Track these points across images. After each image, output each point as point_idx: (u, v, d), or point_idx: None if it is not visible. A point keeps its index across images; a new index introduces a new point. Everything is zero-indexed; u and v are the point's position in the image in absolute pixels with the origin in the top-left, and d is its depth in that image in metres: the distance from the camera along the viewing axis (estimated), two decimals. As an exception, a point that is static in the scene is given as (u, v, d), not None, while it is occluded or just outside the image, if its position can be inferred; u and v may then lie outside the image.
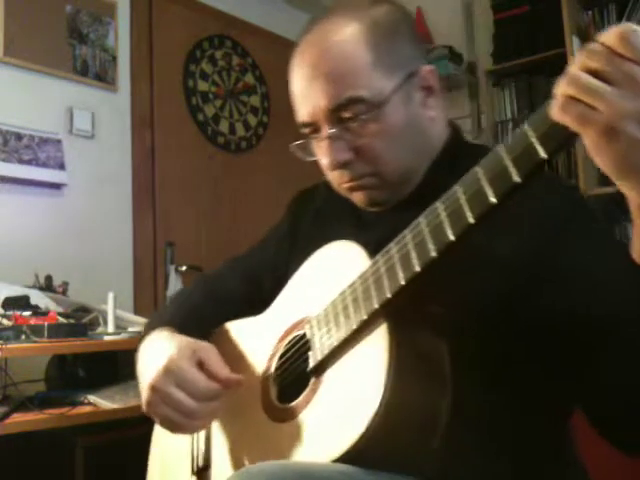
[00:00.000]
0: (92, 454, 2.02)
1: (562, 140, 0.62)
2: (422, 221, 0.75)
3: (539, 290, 0.81)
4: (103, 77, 2.79)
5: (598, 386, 0.78)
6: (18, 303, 1.90)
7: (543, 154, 0.63)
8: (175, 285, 2.73)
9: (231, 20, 3.43)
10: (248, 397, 0.97)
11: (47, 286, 2.19)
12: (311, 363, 0.87)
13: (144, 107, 2.98)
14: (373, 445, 0.74)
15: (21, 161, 2.45)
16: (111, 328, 1.95)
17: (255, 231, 1.24)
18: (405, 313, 0.79)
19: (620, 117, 0.58)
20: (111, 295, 1.95)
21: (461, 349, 0.79)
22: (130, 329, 1.99)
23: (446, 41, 3.44)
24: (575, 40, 2.87)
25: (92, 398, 1.80)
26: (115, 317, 1.97)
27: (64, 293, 2.21)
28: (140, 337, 1.10)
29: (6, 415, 1.62)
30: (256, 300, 1.09)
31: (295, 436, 0.84)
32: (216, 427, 1.03)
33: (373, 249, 0.84)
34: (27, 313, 1.84)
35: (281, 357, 0.96)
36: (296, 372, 0.92)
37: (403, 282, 0.75)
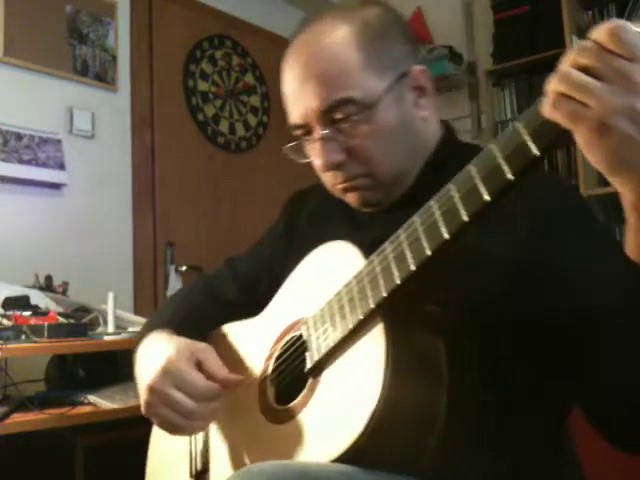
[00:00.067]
0: (92, 454, 2.02)
1: (554, 137, 0.62)
2: (416, 220, 0.75)
3: (534, 288, 0.81)
4: (103, 77, 2.80)
5: (595, 383, 0.78)
6: (18, 303, 1.90)
7: (536, 151, 0.63)
8: (175, 285, 2.73)
9: (231, 20, 3.43)
10: (245, 399, 0.97)
11: (47, 286, 2.19)
12: (308, 364, 0.87)
13: (144, 107, 2.98)
14: (371, 444, 0.74)
15: (21, 161, 2.46)
16: (111, 328, 1.95)
17: (255, 231, 1.24)
18: (401, 312, 0.79)
19: (611, 113, 0.58)
20: (111, 295, 1.95)
21: (457, 348, 0.79)
22: (130, 329, 1.99)
23: (446, 41, 3.44)
24: (575, 40, 2.87)
25: (92, 398, 1.80)
26: (115, 317, 1.97)
27: (64, 293, 2.22)
28: (138, 337, 1.10)
29: (6, 415, 1.62)
30: (253, 301, 1.09)
31: (294, 437, 0.84)
32: (214, 430, 1.02)
33: (367, 249, 0.85)
34: (27, 313, 1.84)
35: (278, 358, 0.96)
36: (293, 373, 0.92)
37: (398, 281, 0.75)
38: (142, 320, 2.03)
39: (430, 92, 0.96)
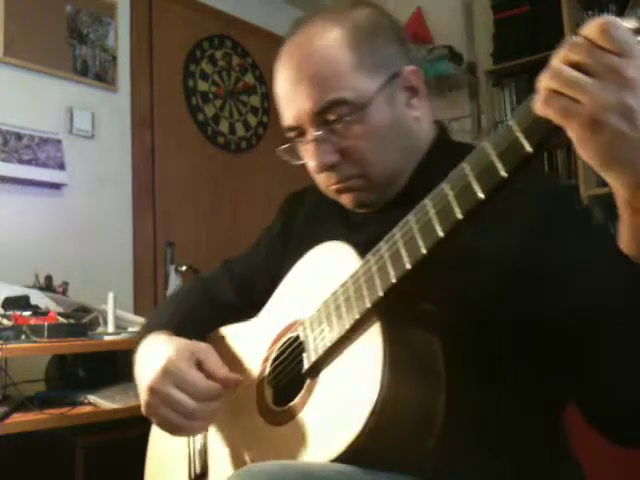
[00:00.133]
0: (92, 454, 2.02)
1: (546, 134, 0.62)
2: (411, 219, 0.76)
3: (533, 288, 0.81)
4: (103, 77, 2.80)
5: (594, 382, 0.78)
6: (18, 303, 1.90)
7: (529, 148, 0.63)
8: (175, 285, 2.73)
9: (231, 20, 3.43)
10: (244, 402, 0.97)
11: (47, 286, 2.20)
12: (305, 364, 0.87)
13: (144, 107, 2.99)
14: (370, 444, 0.74)
15: (21, 161, 2.46)
16: (111, 328, 1.95)
17: (255, 231, 1.24)
18: (397, 311, 0.79)
19: (602, 109, 0.58)
20: (111, 295, 1.95)
21: (453, 346, 0.79)
22: (130, 329, 1.99)
23: (446, 41, 3.44)
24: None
25: (92, 398, 1.80)
26: (115, 317, 1.97)
27: (64, 293, 2.22)
28: (137, 338, 1.10)
29: (6, 415, 1.62)
30: (250, 303, 1.09)
31: (292, 438, 0.84)
32: (213, 432, 1.02)
33: (363, 249, 0.85)
34: (27, 313, 1.84)
35: (275, 360, 0.96)
36: (291, 374, 0.92)
37: (394, 280, 0.75)
38: (142, 320, 2.03)
39: (422, 92, 0.97)
